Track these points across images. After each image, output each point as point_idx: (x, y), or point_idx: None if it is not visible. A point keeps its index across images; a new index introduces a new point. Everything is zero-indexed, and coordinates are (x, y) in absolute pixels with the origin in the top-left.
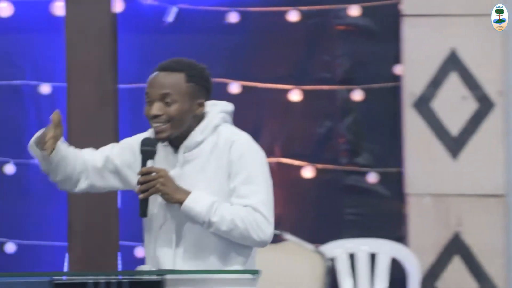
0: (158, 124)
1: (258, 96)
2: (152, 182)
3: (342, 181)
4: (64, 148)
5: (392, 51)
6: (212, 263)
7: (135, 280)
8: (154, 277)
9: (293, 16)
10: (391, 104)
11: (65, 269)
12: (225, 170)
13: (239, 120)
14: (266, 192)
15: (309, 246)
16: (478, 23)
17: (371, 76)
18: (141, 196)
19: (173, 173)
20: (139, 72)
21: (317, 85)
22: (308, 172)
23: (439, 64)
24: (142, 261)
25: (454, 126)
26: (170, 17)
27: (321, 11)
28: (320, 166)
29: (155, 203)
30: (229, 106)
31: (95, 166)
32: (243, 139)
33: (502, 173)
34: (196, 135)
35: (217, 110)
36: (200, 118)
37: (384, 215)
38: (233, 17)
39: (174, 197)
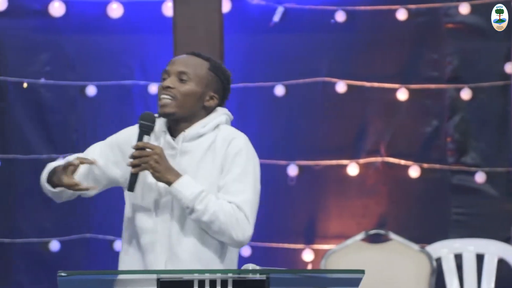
0: (166, 97)
1: (364, 95)
2: (146, 158)
3: (449, 180)
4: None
5: (503, 49)
6: (209, 244)
7: (240, 279)
8: (258, 276)
9: (401, 14)
10: (501, 102)
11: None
12: (219, 166)
13: (345, 118)
14: (253, 194)
15: (415, 246)
16: None
17: (480, 74)
18: (132, 170)
19: (171, 162)
20: (245, 72)
21: (424, 84)
22: (414, 171)
23: None
24: (247, 259)
25: None
26: (277, 16)
27: (430, 9)
28: (426, 165)
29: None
30: (231, 116)
31: (83, 174)
32: (242, 138)
33: None
34: (198, 127)
35: (223, 112)
36: (206, 112)
37: (492, 215)
38: (340, 16)
39: (165, 176)
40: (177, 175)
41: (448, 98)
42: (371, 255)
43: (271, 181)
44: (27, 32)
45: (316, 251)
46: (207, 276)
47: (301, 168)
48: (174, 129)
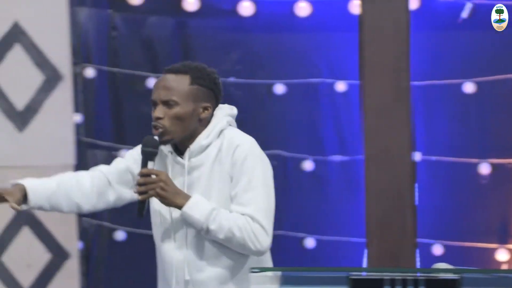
0: (159, 126)
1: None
2: (152, 185)
3: None
4: (41, 191)
5: None
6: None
7: (432, 278)
8: (451, 276)
9: None
10: None
11: (364, 265)
12: (228, 175)
13: (473, 119)
14: (266, 200)
15: None
16: None
17: None
18: (139, 197)
19: (180, 180)
20: (431, 69)
21: None
22: None
23: None
24: (439, 258)
25: None
26: (465, 13)
27: None
28: None
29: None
30: (234, 110)
31: (117, 173)
32: (247, 143)
33: None
34: (201, 139)
35: (222, 114)
36: (206, 122)
37: None
38: None
39: (173, 202)
40: (186, 198)
41: None
42: None
43: (461, 180)
44: (218, 31)
45: (511, 251)
46: (398, 275)
47: (494, 166)
48: (179, 147)
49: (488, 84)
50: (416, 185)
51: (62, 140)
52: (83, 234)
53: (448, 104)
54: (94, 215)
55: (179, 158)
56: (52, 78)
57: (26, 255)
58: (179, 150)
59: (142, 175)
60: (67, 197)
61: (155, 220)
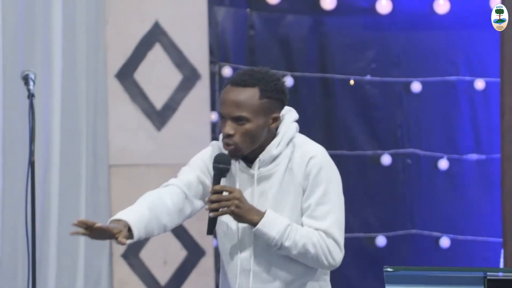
0: (230, 143)
1: None
2: (226, 203)
3: None
4: (141, 223)
5: None
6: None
7: None
8: None
9: None
10: None
11: (501, 265)
12: (300, 186)
13: None
14: (340, 213)
15: None
16: None
17: None
18: (211, 214)
19: (249, 190)
20: None
21: None
22: None
23: None
24: None
25: None
26: None
27: None
28: None
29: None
30: (296, 113)
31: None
32: (321, 153)
33: None
34: (271, 149)
35: (290, 120)
36: (275, 130)
37: None
38: None
39: (247, 219)
40: (259, 215)
41: None
42: None
43: None
44: (355, 29)
45: None
46: None
47: None
48: (247, 156)
49: None
50: None
51: (198, 138)
52: None
53: None
54: None
55: (247, 168)
56: (190, 77)
57: (163, 252)
58: (247, 158)
59: (215, 192)
60: (157, 221)
61: (220, 230)
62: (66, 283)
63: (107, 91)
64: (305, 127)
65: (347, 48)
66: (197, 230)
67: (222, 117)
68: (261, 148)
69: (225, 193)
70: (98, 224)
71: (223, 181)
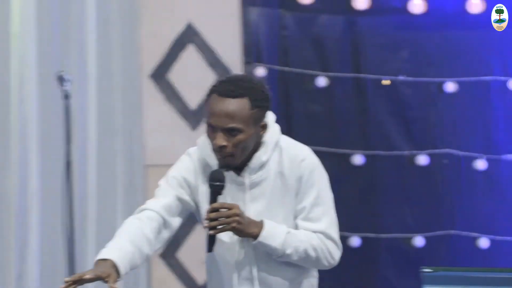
0: (223, 154)
1: None
2: (227, 220)
3: None
4: (126, 260)
5: None
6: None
7: None
8: None
9: None
10: None
11: None
12: (293, 189)
13: None
14: (333, 210)
15: None
16: None
17: None
18: (212, 232)
19: (240, 199)
20: None
21: None
22: None
23: None
24: None
25: None
26: None
27: None
28: None
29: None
30: (273, 114)
31: (167, 208)
32: (310, 155)
33: None
34: (261, 156)
35: (272, 123)
36: (261, 137)
37: None
38: None
39: (248, 233)
40: (259, 227)
41: None
42: None
43: None
44: (388, 29)
45: None
46: None
47: None
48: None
49: None
50: None
51: None
52: None
53: None
54: None
55: (237, 177)
56: None
57: (200, 252)
58: (235, 167)
59: (213, 210)
60: (140, 253)
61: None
62: (105, 283)
63: (141, 92)
64: (339, 127)
65: (380, 48)
66: None
67: (211, 127)
68: (249, 156)
69: (222, 210)
70: (87, 276)
71: (221, 198)
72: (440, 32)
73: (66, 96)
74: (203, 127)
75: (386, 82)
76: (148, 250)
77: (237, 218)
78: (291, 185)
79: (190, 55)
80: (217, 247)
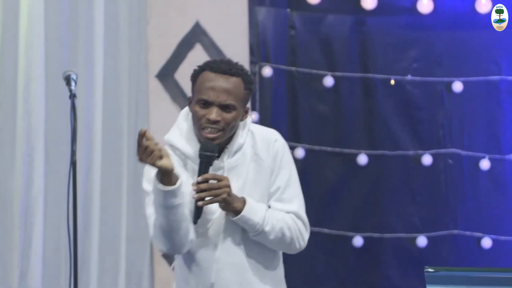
0: (213, 130)
1: None
2: (218, 191)
3: None
4: (184, 190)
5: None
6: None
7: None
8: None
9: None
10: None
11: None
12: (268, 168)
13: None
14: (301, 193)
15: None
16: None
17: None
18: (200, 203)
19: None
20: None
21: None
22: None
23: None
24: None
25: None
26: None
27: None
28: None
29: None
30: None
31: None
32: (280, 136)
33: None
34: (238, 139)
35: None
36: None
37: None
38: None
39: (233, 207)
40: (243, 202)
41: None
42: None
43: None
44: (396, 29)
45: None
46: None
47: None
48: None
49: None
50: None
51: None
52: None
53: None
54: None
55: (215, 160)
56: None
57: None
58: None
59: (204, 180)
60: (186, 218)
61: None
62: (108, 283)
63: (148, 91)
64: (346, 127)
65: (388, 48)
66: None
67: (207, 103)
68: (227, 139)
69: (212, 181)
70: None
71: (211, 170)
72: (448, 32)
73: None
74: None
75: (392, 81)
76: (185, 230)
77: (227, 189)
78: (267, 164)
79: (198, 55)
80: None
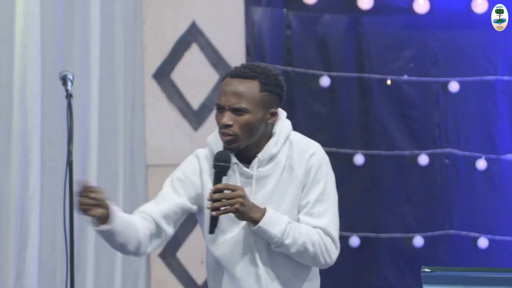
0: (227, 134)
1: None
2: (231, 201)
3: None
4: (120, 215)
5: None
6: (288, 279)
7: None
8: None
9: None
10: None
11: None
12: (300, 182)
13: None
14: (336, 209)
15: None
16: None
17: None
18: (214, 213)
19: (247, 191)
20: None
21: None
22: None
23: None
24: None
25: None
26: None
27: None
28: None
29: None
30: (284, 112)
31: (164, 215)
32: (320, 150)
33: None
34: (270, 147)
35: (284, 117)
36: (271, 127)
37: None
38: None
39: (250, 217)
40: (261, 212)
41: None
42: None
43: None
44: (392, 29)
45: None
46: None
47: None
48: (243, 155)
49: None
50: None
51: None
52: None
53: None
54: None
55: (245, 169)
56: None
57: (199, 252)
58: (244, 158)
59: (217, 190)
60: (135, 231)
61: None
62: (104, 283)
63: (144, 91)
64: (342, 127)
65: (384, 48)
66: None
67: (220, 108)
68: (258, 147)
69: (226, 191)
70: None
71: (225, 180)
72: (444, 31)
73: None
74: (205, 127)
75: (388, 81)
76: (143, 240)
77: (240, 199)
78: (299, 178)
79: (194, 55)
80: (214, 239)
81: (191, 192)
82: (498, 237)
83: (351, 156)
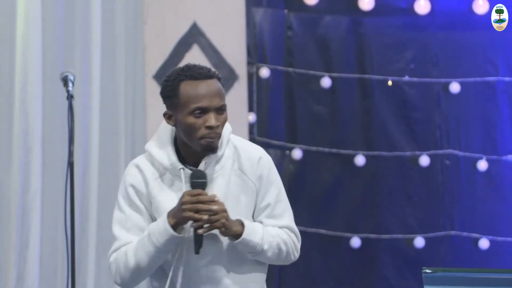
0: (214, 135)
1: None
2: (216, 216)
3: None
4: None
5: None
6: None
7: None
8: None
9: None
10: None
11: None
12: (254, 187)
13: None
14: (289, 203)
15: None
16: None
17: None
18: (201, 231)
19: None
20: None
21: None
22: None
23: None
24: None
25: None
26: None
27: None
28: None
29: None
30: None
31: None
32: (265, 153)
33: None
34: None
35: None
36: None
37: None
38: None
39: (233, 230)
40: (242, 225)
41: None
42: None
43: None
44: (393, 30)
45: None
46: None
47: None
48: (187, 159)
49: None
50: None
51: None
52: None
53: None
54: None
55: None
56: (228, 78)
57: None
58: (185, 162)
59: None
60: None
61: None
62: (105, 283)
63: (145, 92)
64: (343, 128)
65: (385, 49)
66: None
67: (203, 111)
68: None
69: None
70: None
71: (168, 184)
72: (445, 32)
73: (70, 97)
74: None
75: (389, 82)
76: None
77: (225, 214)
78: (252, 184)
79: (195, 55)
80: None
81: (145, 202)
82: (499, 238)
83: (352, 157)
